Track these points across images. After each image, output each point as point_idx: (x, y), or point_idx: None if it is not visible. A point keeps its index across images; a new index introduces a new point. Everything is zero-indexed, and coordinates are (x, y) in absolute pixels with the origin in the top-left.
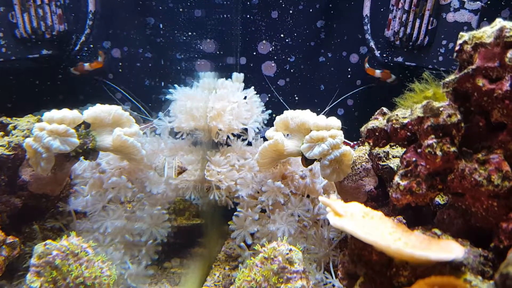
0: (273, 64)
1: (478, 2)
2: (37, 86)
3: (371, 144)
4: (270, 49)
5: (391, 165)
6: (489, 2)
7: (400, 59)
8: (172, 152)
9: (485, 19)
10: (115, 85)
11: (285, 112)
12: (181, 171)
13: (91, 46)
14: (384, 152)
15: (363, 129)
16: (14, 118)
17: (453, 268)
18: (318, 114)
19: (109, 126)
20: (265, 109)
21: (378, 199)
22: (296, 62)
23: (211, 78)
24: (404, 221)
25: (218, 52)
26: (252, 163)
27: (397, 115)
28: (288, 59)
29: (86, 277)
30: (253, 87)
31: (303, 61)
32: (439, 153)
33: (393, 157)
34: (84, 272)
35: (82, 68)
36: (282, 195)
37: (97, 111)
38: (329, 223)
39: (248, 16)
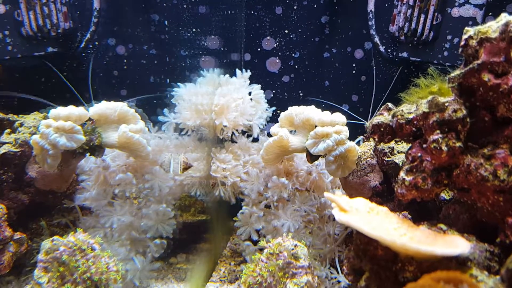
0: (277, 60)
1: None
2: (43, 84)
3: (376, 139)
4: (275, 45)
5: (396, 161)
6: None
7: (405, 54)
8: (177, 149)
9: (490, 13)
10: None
11: (289, 108)
12: (187, 167)
13: (96, 43)
14: (389, 147)
15: (368, 124)
16: (20, 115)
17: (459, 263)
18: (322, 110)
19: (115, 123)
20: (269, 105)
21: (383, 195)
22: (301, 58)
23: (216, 74)
24: (410, 216)
25: (222, 49)
26: (257, 159)
27: (402, 110)
28: (293, 55)
29: (93, 272)
30: (258, 84)
31: (308, 57)
32: (444, 148)
33: (398, 152)
34: (91, 267)
35: None
36: (287, 191)
37: (102, 108)
38: (334, 219)
39: (252, 12)
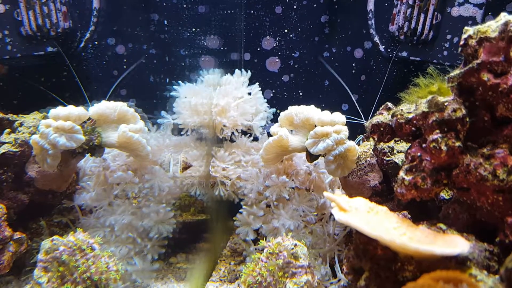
0: (277, 60)
1: None
2: (43, 83)
3: (376, 139)
4: (274, 45)
5: (396, 160)
6: None
7: (404, 54)
8: (177, 148)
9: (489, 13)
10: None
11: (289, 107)
12: (186, 167)
13: (96, 43)
14: (388, 147)
15: (367, 124)
16: (20, 115)
17: (458, 262)
18: (322, 110)
19: (115, 122)
20: (269, 105)
21: (383, 194)
22: (300, 57)
23: (216, 74)
24: (409, 216)
25: (222, 48)
26: (257, 158)
27: (402, 110)
28: (292, 54)
29: (92, 272)
30: (257, 83)
31: (308, 57)
32: (444, 148)
33: (398, 152)
34: (90, 267)
35: None
36: (287, 190)
37: (102, 107)
38: (334, 218)
39: (252, 11)
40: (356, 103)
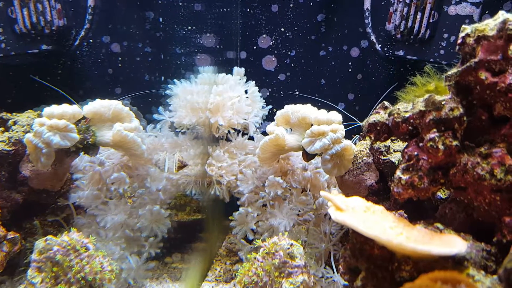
0: (273, 59)
1: None
2: (37, 82)
3: (372, 138)
4: (271, 43)
5: (393, 160)
6: None
7: (401, 52)
8: (172, 147)
9: (487, 12)
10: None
11: (286, 106)
12: (182, 166)
13: (91, 41)
14: (385, 146)
15: (364, 123)
16: (14, 113)
17: (455, 262)
18: (319, 109)
19: (109, 121)
20: (265, 104)
21: (379, 194)
22: (297, 56)
23: (211, 72)
24: (406, 215)
25: (218, 47)
26: (253, 158)
27: (398, 109)
28: (289, 53)
29: (87, 272)
30: (253, 81)
31: (304, 55)
32: (441, 147)
33: (395, 151)
34: (85, 267)
35: None
36: (283, 190)
37: (96, 106)
38: (330, 218)
39: (248, 10)
40: (344, 111)
